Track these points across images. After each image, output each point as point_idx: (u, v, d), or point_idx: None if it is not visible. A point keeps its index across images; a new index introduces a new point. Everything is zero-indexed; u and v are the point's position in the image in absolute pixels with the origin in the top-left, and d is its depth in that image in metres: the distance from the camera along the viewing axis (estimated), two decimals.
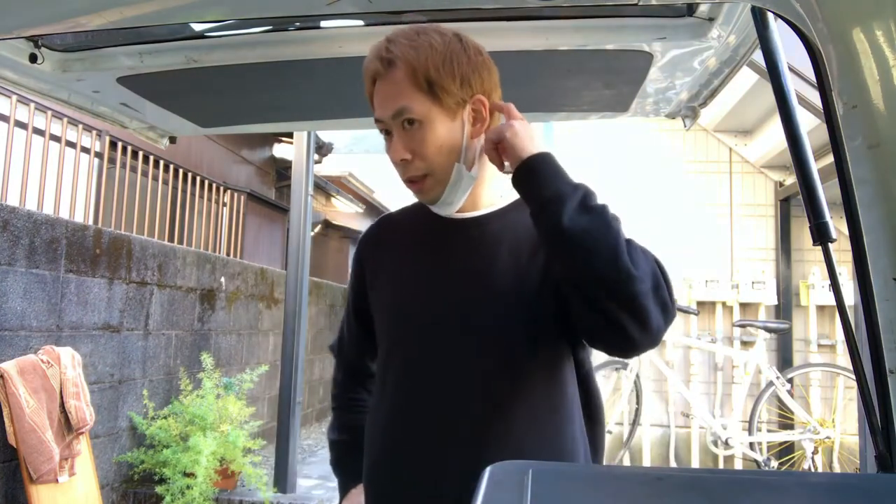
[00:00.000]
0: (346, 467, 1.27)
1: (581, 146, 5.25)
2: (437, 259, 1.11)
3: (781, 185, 5.19)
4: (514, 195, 1.12)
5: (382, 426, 1.11)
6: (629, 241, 0.90)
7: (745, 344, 5.01)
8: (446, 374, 1.05)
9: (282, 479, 4.19)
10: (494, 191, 1.12)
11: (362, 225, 11.04)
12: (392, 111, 1.01)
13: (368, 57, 1.03)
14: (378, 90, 1.03)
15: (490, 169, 1.09)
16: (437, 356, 1.06)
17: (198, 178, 5.52)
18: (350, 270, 1.30)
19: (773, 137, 4.82)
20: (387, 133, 1.05)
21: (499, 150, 1.01)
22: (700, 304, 5.10)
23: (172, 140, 1.84)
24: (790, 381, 4.52)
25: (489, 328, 1.04)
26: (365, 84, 1.05)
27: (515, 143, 0.98)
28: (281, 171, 8.49)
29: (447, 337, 1.06)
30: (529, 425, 1.03)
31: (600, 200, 0.94)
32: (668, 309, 0.90)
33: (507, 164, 1.01)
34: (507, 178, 1.11)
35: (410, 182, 1.06)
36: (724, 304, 5.12)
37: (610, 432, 4.70)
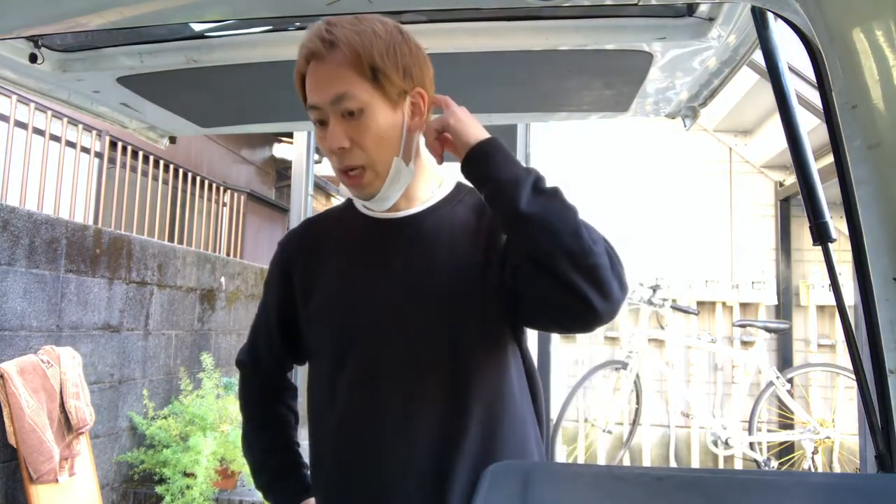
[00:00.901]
0: (284, 490, 1.19)
1: (582, 146, 5.25)
2: (377, 262, 1.08)
3: (781, 185, 5.19)
4: (444, 190, 1.12)
5: (334, 435, 1.07)
6: (583, 221, 0.91)
7: (745, 344, 5.01)
8: (400, 378, 1.03)
9: None
10: (427, 186, 1.10)
11: None
12: (332, 97, 0.96)
13: (306, 36, 0.97)
14: (314, 71, 0.97)
15: (423, 164, 1.08)
16: (389, 361, 1.04)
17: (198, 178, 5.51)
18: (268, 281, 1.20)
19: (773, 137, 4.82)
20: (321, 123, 0.99)
21: (441, 139, 0.99)
22: (700, 304, 5.10)
23: (172, 140, 1.84)
24: (790, 381, 4.51)
25: (438, 327, 1.03)
26: (297, 63, 0.99)
27: (461, 129, 0.97)
28: (281, 171, 8.47)
29: (398, 340, 1.04)
30: (486, 418, 1.02)
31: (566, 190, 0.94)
32: (623, 282, 0.92)
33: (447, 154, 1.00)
34: (439, 173, 1.11)
35: (347, 176, 1.01)
36: (724, 303, 5.12)
37: (610, 432, 4.70)
